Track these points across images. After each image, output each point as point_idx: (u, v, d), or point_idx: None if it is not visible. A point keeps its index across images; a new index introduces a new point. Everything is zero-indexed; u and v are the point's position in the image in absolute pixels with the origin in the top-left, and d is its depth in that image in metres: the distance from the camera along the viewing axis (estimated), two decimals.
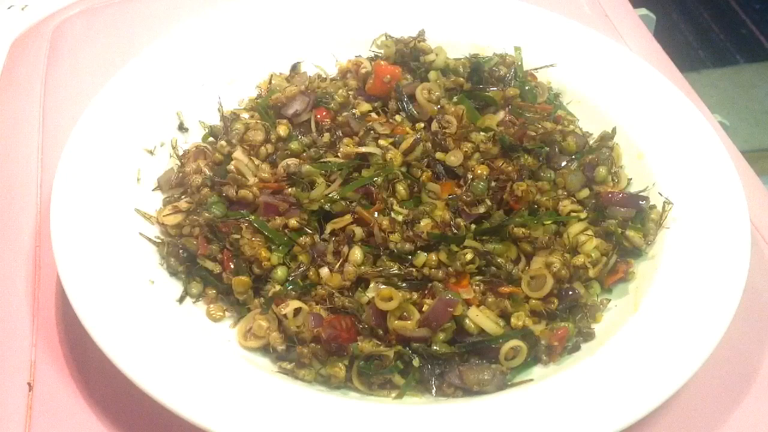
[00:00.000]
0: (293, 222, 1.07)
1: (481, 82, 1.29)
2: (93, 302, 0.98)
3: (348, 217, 1.07)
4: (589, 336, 1.02)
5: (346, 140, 1.16)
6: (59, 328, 1.07)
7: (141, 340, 0.96)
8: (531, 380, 0.97)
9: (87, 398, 1.00)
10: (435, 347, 0.98)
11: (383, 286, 1.01)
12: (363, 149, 1.13)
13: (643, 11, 1.76)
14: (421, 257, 1.04)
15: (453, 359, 0.98)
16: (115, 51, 1.44)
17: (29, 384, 1.02)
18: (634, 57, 1.34)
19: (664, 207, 1.12)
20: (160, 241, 1.10)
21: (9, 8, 1.80)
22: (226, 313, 1.06)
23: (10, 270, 1.15)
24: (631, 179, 1.20)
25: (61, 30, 1.47)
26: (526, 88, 1.28)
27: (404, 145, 1.14)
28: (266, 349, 1.01)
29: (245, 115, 1.27)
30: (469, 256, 1.03)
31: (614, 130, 1.23)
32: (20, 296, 1.11)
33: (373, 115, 1.25)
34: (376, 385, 0.98)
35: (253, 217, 1.08)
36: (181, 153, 1.22)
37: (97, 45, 1.46)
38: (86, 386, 1.01)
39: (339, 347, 0.97)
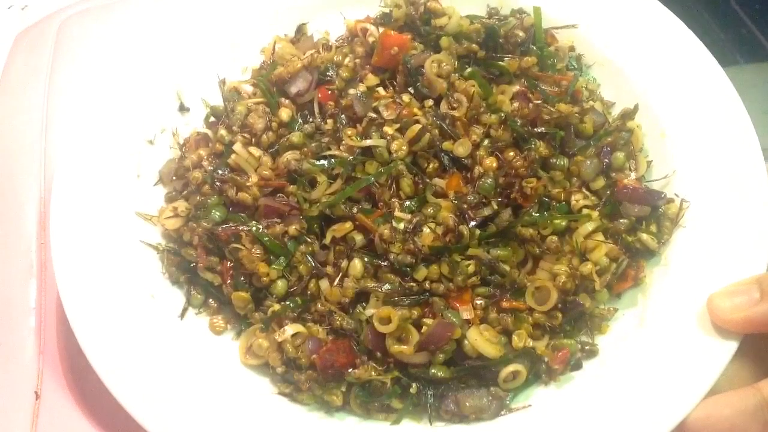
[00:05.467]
0: (293, 230, 1.04)
1: (496, 50, 1.21)
2: (93, 324, 0.99)
3: (349, 225, 1.04)
4: (592, 353, 1.01)
5: (349, 131, 1.11)
6: (66, 337, 1.09)
7: (141, 365, 0.98)
8: (529, 406, 0.97)
9: (93, 408, 1.03)
10: (433, 370, 0.97)
11: (383, 307, 0.99)
12: (366, 143, 1.08)
13: None
14: (422, 271, 1.01)
15: (451, 382, 0.98)
16: (119, 49, 1.36)
17: (36, 393, 1.05)
18: (669, 14, 1.22)
19: (681, 206, 1.06)
20: (161, 249, 1.09)
21: (9, 8, 1.75)
22: (228, 325, 1.06)
23: (14, 271, 1.16)
24: (651, 161, 1.13)
25: (66, 27, 1.41)
26: (545, 54, 1.20)
27: (410, 134, 1.08)
28: (267, 366, 1.02)
29: (248, 88, 1.21)
30: (471, 269, 1.00)
31: (636, 107, 1.15)
32: (27, 305, 1.13)
33: (381, 90, 1.18)
34: (374, 409, 0.98)
35: (253, 222, 1.06)
36: (182, 141, 1.18)
37: (102, 42, 1.40)
38: (92, 396, 1.04)
39: (336, 373, 0.97)
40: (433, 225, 1.03)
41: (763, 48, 1.71)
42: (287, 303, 1.02)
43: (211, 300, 1.07)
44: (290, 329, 1.00)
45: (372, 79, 1.18)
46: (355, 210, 1.05)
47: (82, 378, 1.06)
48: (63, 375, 1.07)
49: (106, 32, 1.39)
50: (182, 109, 1.21)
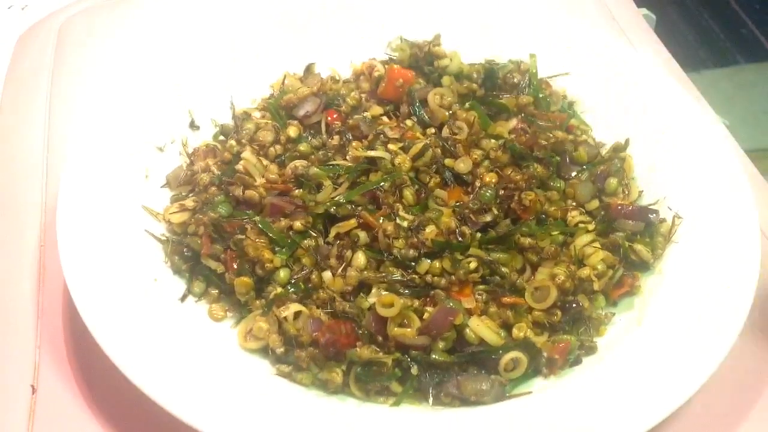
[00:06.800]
0: (298, 224, 1.07)
1: (494, 89, 1.28)
2: (96, 301, 0.98)
3: (353, 222, 1.07)
4: (591, 350, 1.02)
5: (354, 143, 1.15)
6: (64, 330, 1.08)
7: (142, 340, 0.96)
8: (530, 392, 0.97)
9: (90, 402, 1.01)
10: (434, 355, 0.97)
11: (385, 293, 1.00)
12: (371, 153, 1.12)
13: (644, 11, 1.75)
14: (425, 264, 1.03)
15: (452, 368, 0.98)
16: (121, 49, 1.44)
17: (32, 386, 1.02)
18: (651, 66, 1.31)
19: (673, 221, 1.10)
20: (165, 239, 1.10)
21: (9, 8, 1.81)
22: (228, 313, 1.06)
23: (14, 270, 1.15)
24: (642, 191, 1.19)
25: (68, 27, 1.47)
26: (540, 96, 1.27)
27: (413, 150, 1.13)
28: (266, 351, 1.01)
29: (257, 114, 1.27)
30: (473, 265, 1.02)
31: (627, 141, 1.22)
32: (25, 298, 1.12)
33: (385, 118, 1.24)
34: (374, 391, 0.97)
35: (258, 218, 1.08)
36: (191, 151, 1.22)
37: (104, 42, 1.46)
38: (90, 390, 1.02)
39: (337, 352, 0.97)
40: (434, 227, 1.06)
41: (763, 48, 1.80)
42: (289, 288, 1.03)
43: (211, 289, 1.07)
44: (292, 307, 1.00)
45: (377, 110, 1.25)
46: (359, 208, 1.08)
47: (78, 372, 1.03)
48: (59, 368, 1.04)
49: (108, 32, 1.43)
50: (192, 126, 1.25)
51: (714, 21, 1.94)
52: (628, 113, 1.27)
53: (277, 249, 1.06)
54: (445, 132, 1.19)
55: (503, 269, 1.05)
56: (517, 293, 1.04)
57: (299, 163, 1.13)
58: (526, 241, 1.07)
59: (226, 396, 0.93)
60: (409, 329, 0.97)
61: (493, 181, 1.11)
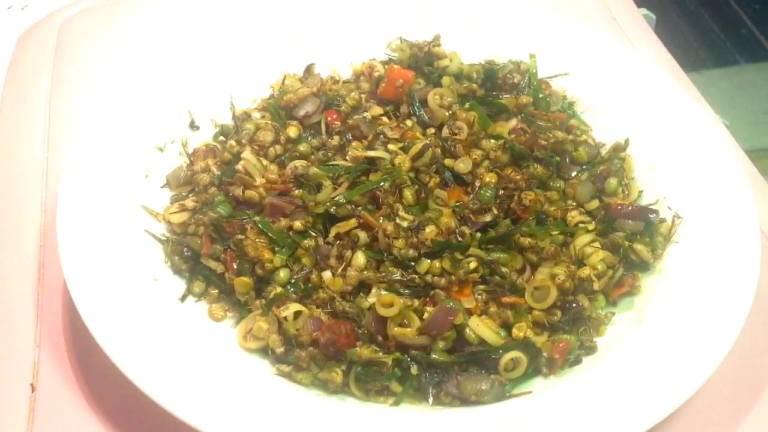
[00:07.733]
0: (298, 224, 1.07)
1: (494, 89, 1.28)
2: (96, 301, 0.98)
3: (353, 222, 1.07)
4: (591, 349, 1.02)
5: (354, 143, 1.16)
6: (63, 329, 1.08)
7: (142, 340, 0.96)
8: (530, 392, 0.97)
9: (90, 400, 1.01)
10: (434, 355, 0.97)
11: (385, 292, 1.00)
12: (371, 153, 1.13)
13: (644, 11, 1.75)
14: (425, 264, 1.03)
15: (452, 368, 0.98)
16: (121, 49, 1.44)
17: (32, 385, 1.02)
18: (651, 66, 1.32)
19: (673, 221, 1.11)
20: (165, 239, 1.10)
21: (9, 8, 1.81)
22: (228, 313, 1.06)
23: (14, 269, 1.15)
24: (642, 191, 1.19)
25: (68, 27, 1.47)
26: (540, 96, 1.27)
27: (413, 150, 1.13)
28: (266, 351, 1.01)
29: (257, 115, 1.27)
30: (472, 265, 1.03)
31: (627, 141, 1.22)
32: (24, 297, 1.12)
33: (384, 119, 1.24)
34: (373, 391, 0.97)
35: (258, 218, 1.08)
36: (191, 151, 1.22)
37: (104, 42, 1.47)
38: (89, 388, 1.02)
39: (337, 352, 0.97)
40: (434, 227, 1.06)
41: (763, 48, 1.80)
42: (289, 288, 1.03)
43: (211, 289, 1.07)
44: (292, 307, 1.00)
45: (377, 110, 1.25)
46: (359, 208, 1.08)
47: (78, 371, 1.04)
48: (59, 368, 1.04)
49: (108, 32, 1.43)
50: (192, 126, 1.25)
51: (714, 21, 1.94)
52: (628, 113, 1.28)
53: (277, 249, 1.06)
54: (445, 132, 1.19)
55: (503, 269, 1.05)
56: (517, 293, 1.05)
57: (299, 163, 1.13)
58: (526, 241, 1.07)
59: (226, 396, 0.93)
60: (409, 329, 0.98)
61: (493, 181, 1.12)
